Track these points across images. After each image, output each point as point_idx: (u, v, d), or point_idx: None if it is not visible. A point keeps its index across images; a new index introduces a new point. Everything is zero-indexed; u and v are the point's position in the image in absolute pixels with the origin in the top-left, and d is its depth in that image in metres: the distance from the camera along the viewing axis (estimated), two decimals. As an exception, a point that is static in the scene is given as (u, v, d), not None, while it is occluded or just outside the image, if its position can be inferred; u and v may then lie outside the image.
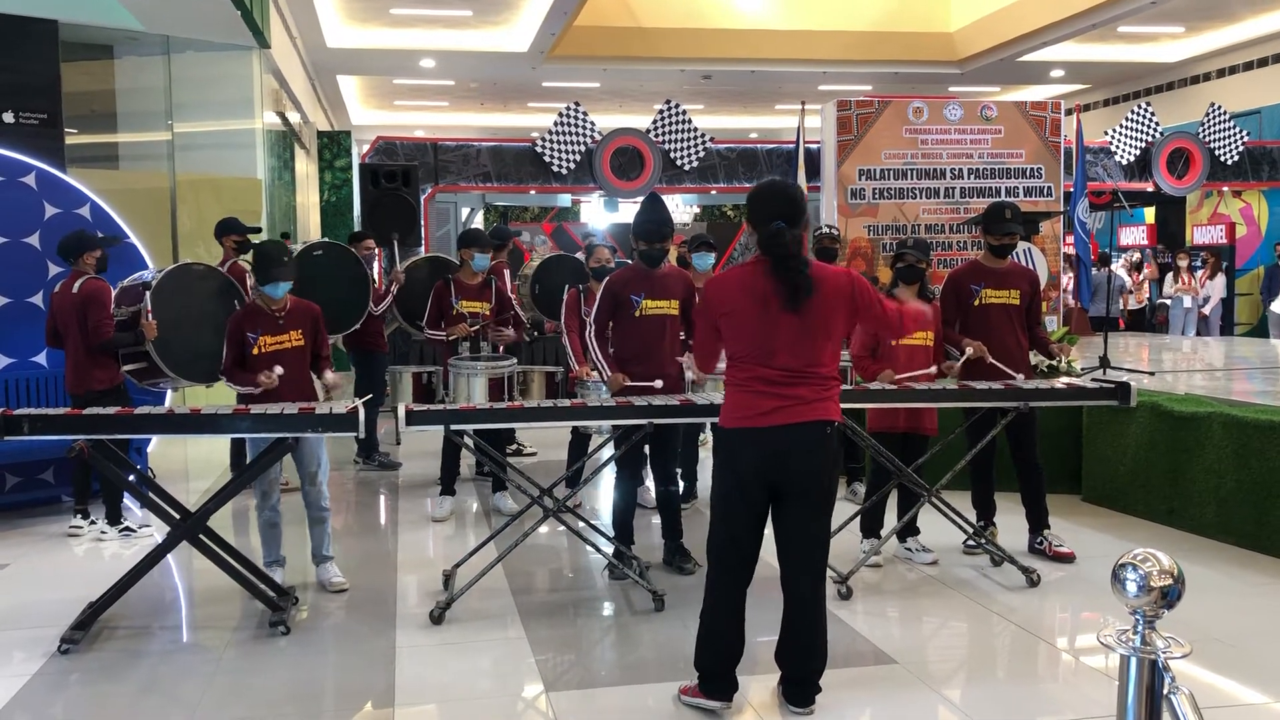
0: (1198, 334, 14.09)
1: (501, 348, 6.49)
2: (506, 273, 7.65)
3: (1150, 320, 15.31)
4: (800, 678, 3.55)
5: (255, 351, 4.82)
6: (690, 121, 12.26)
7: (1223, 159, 13.44)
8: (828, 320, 3.47)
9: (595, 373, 5.37)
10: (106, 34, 9.78)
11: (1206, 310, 14.32)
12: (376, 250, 7.85)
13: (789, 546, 3.52)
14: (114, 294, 5.78)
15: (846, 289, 3.51)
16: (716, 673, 3.52)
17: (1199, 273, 14.42)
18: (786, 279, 3.40)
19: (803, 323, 3.43)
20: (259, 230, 7.71)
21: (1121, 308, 14.72)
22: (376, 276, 7.71)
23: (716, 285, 3.58)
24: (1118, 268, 15.14)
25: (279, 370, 4.75)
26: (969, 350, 5.21)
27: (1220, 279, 14.49)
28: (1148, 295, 15.36)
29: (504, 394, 5.78)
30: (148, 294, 5.48)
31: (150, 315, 5.41)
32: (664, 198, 5.41)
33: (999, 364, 5.18)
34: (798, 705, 3.53)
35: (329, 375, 5.00)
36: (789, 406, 3.42)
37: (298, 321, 4.94)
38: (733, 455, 3.49)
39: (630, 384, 4.92)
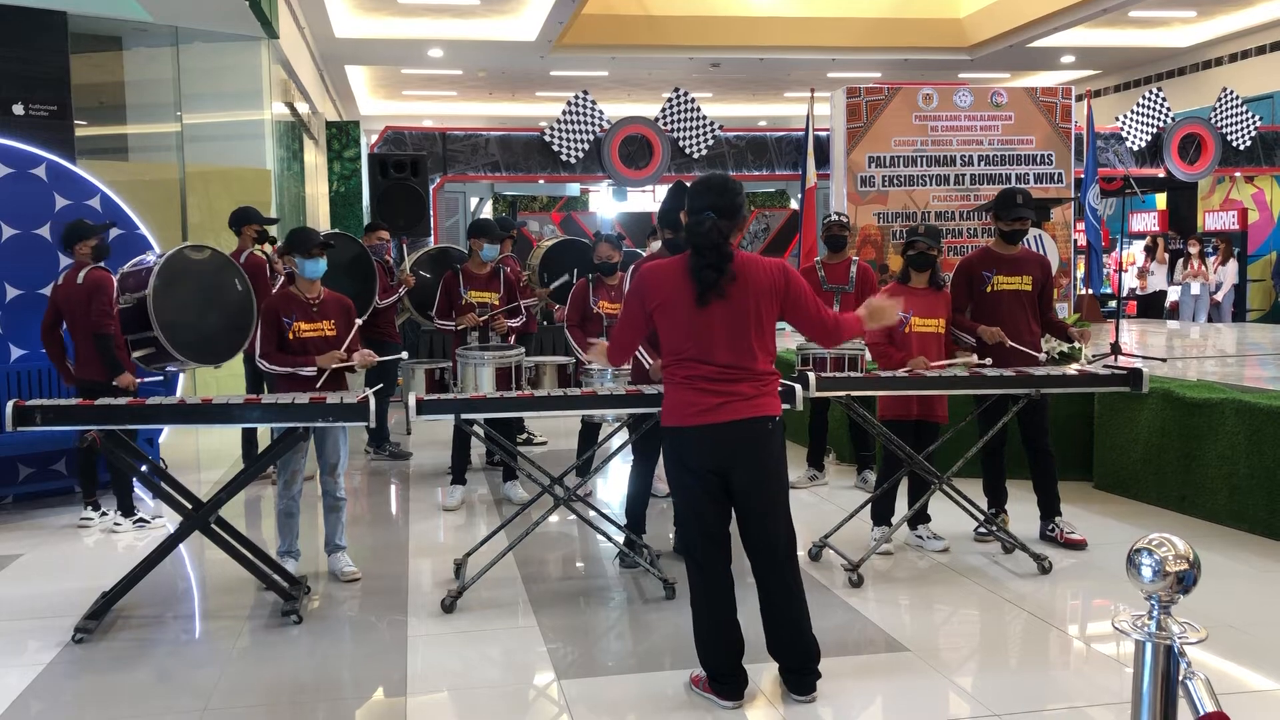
0: (1210, 320, 14.03)
1: (513, 337, 6.49)
2: (514, 264, 7.66)
3: (1163, 306, 15.25)
4: (796, 667, 3.55)
5: (290, 337, 4.85)
6: (699, 109, 12.23)
7: (1235, 144, 13.36)
8: (755, 312, 3.43)
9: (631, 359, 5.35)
10: (115, 25, 9.78)
11: (1219, 296, 14.25)
12: (388, 241, 7.86)
13: (754, 543, 3.52)
14: (116, 279, 5.81)
15: (778, 282, 3.47)
16: (724, 671, 3.51)
17: (1211, 259, 14.34)
18: (700, 268, 3.36)
19: (732, 316, 3.40)
20: (277, 221, 7.73)
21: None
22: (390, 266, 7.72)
23: (652, 274, 3.50)
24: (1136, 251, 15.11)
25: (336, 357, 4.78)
26: (986, 340, 5.18)
27: (1233, 265, 14.42)
28: (1164, 282, 15.27)
29: (511, 383, 5.78)
30: (149, 288, 5.49)
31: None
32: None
33: (1020, 346, 5.16)
34: (799, 693, 3.54)
35: (362, 351, 5.00)
36: (731, 403, 3.41)
37: (331, 312, 4.97)
38: (684, 453, 3.48)
39: None
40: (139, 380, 5.83)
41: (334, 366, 4.85)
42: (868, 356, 5.31)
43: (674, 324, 3.45)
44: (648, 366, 4.97)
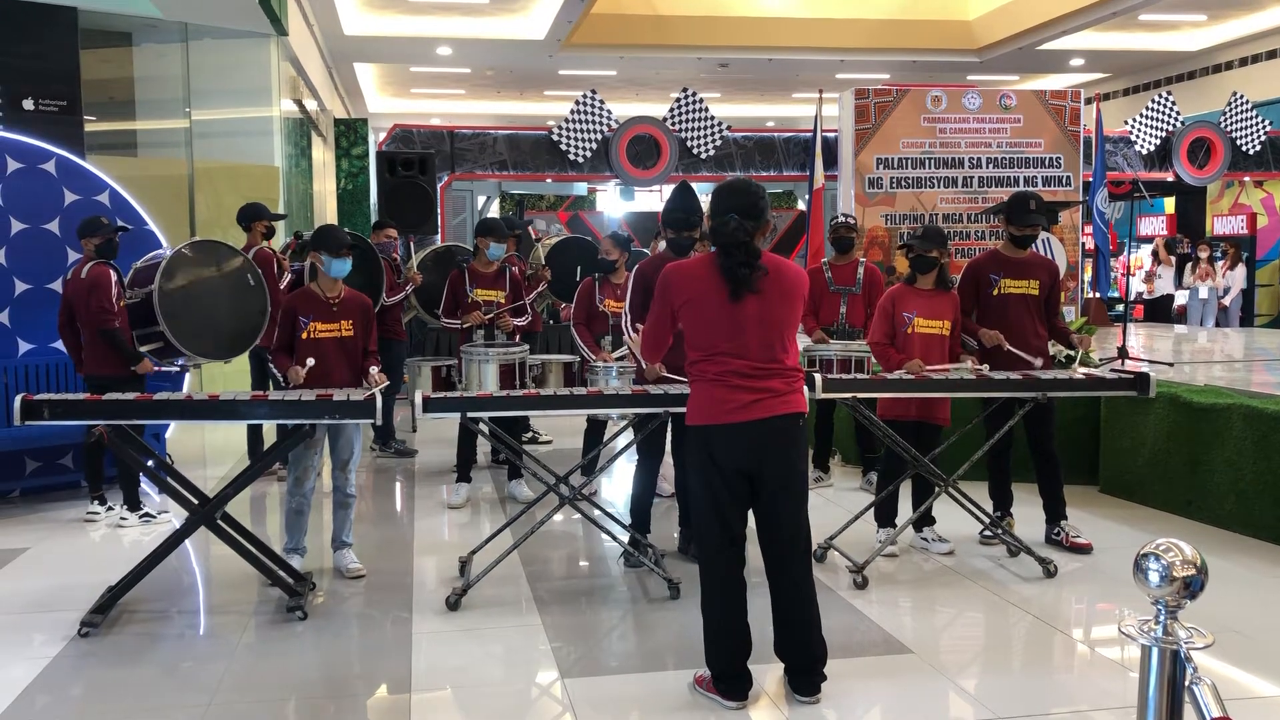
0: (1217, 325, 13.99)
1: (518, 336, 6.50)
2: (520, 263, 7.67)
3: (1170, 311, 15.21)
4: (802, 667, 3.55)
5: (305, 336, 4.84)
6: (707, 110, 12.22)
7: (1244, 149, 13.32)
8: (785, 311, 3.48)
9: (617, 355, 5.36)
10: (125, 21, 9.82)
11: (1227, 301, 14.20)
12: (396, 239, 7.88)
13: (774, 540, 3.52)
14: (129, 276, 5.82)
15: (805, 288, 3.56)
16: (730, 672, 3.51)
17: (1219, 263, 14.30)
18: (731, 267, 3.39)
19: (765, 311, 3.43)
20: (285, 217, 7.74)
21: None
22: (398, 263, 7.73)
23: (677, 272, 3.53)
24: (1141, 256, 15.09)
25: (307, 365, 4.76)
26: (985, 343, 5.18)
27: (1241, 269, 14.37)
28: (1171, 286, 15.22)
29: (515, 380, 5.79)
30: (155, 283, 5.50)
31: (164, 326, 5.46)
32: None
33: (1017, 350, 5.15)
34: (803, 694, 3.54)
35: (374, 371, 4.99)
36: (765, 399, 3.42)
37: (350, 312, 4.96)
38: (713, 451, 3.46)
39: (666, 375, 4.85)
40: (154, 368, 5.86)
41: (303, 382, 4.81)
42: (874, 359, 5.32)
43: (704, 320, 3.46)
44: (644, 368, 4.95)
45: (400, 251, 8.16)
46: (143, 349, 5.72)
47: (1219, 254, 14.44)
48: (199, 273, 5.69)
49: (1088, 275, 13.02)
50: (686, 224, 4.89)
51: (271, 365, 5.00)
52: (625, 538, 5.03)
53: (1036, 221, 5.24)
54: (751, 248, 3.41)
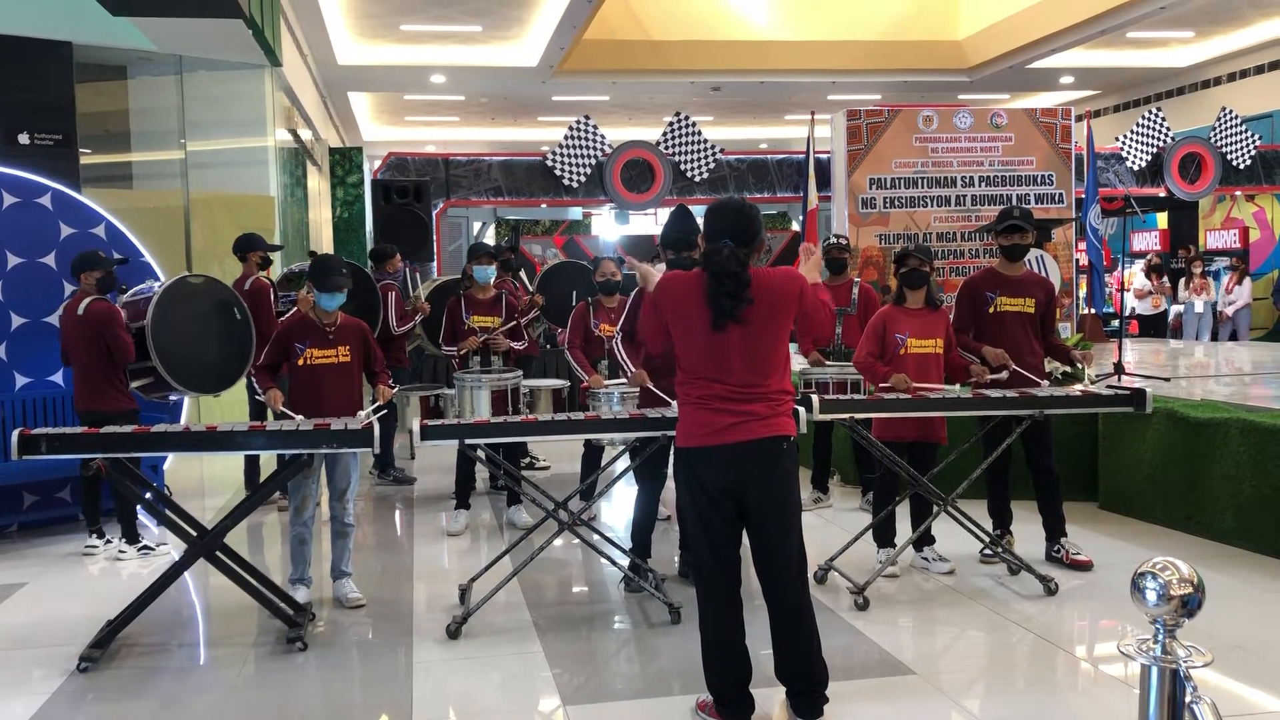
0: (1216, 338, 13.98)
1: (514, 359, 6.52)
2: (511, 286, 7.68)
3: (1165, 325, 15.23)
4: (803, 689, 3.54)
5: (301, 362, 4.86)
6: (700, 133, 12.28)
7: (1235, 163, 13.39)
8: (773, 331, 3.46)
9: (609, 381, 5.39)
10: (120, 55, 9.86)
11: (1230, 311, 14.13)
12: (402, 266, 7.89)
13: (765, 563, 3.52)
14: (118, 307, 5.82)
15: (794, 293, 3.49)
16: (730, 694, 3.50)
17: (1224, 278, 14.28)
18: (718, 296, 3.37)
19: (748, 338, 3.42)
20: (281, 248, 7.76)
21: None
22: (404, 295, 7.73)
23: (670, 284, 3.55)
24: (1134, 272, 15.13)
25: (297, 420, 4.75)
26: (1000, 368, 5.18)
27: (1248, 283, 14.32)
28: (1167, 302, 15.25)
29: (508, 406, 5.79)
30: (148, 318, 5.52)
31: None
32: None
33: (1024, 371, 5.16)
34: (805, 717, 3.52)
35: (383, 389, 5.00)
36: (745, 423, 3.41)
37: (347, 338, 4.97)
38: (697, 474, 3.48)
39: (654, 390, 4.89)
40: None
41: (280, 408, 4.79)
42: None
43: (689, 344, 3.47)
44: (629, 375, 4.98)
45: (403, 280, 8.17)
46: (134, 384, 5.74)
47: (1215, 269, 14.45)
48: (187, 308, 5.71)
49: (1082, 292, 13.06)
50: (686, 244, 4.92)
51: (256, 378, 5.04)
52: (625, 562, 5.02)
53: (1015, 225, 5.26)
54: (743, 277, 3.39)
